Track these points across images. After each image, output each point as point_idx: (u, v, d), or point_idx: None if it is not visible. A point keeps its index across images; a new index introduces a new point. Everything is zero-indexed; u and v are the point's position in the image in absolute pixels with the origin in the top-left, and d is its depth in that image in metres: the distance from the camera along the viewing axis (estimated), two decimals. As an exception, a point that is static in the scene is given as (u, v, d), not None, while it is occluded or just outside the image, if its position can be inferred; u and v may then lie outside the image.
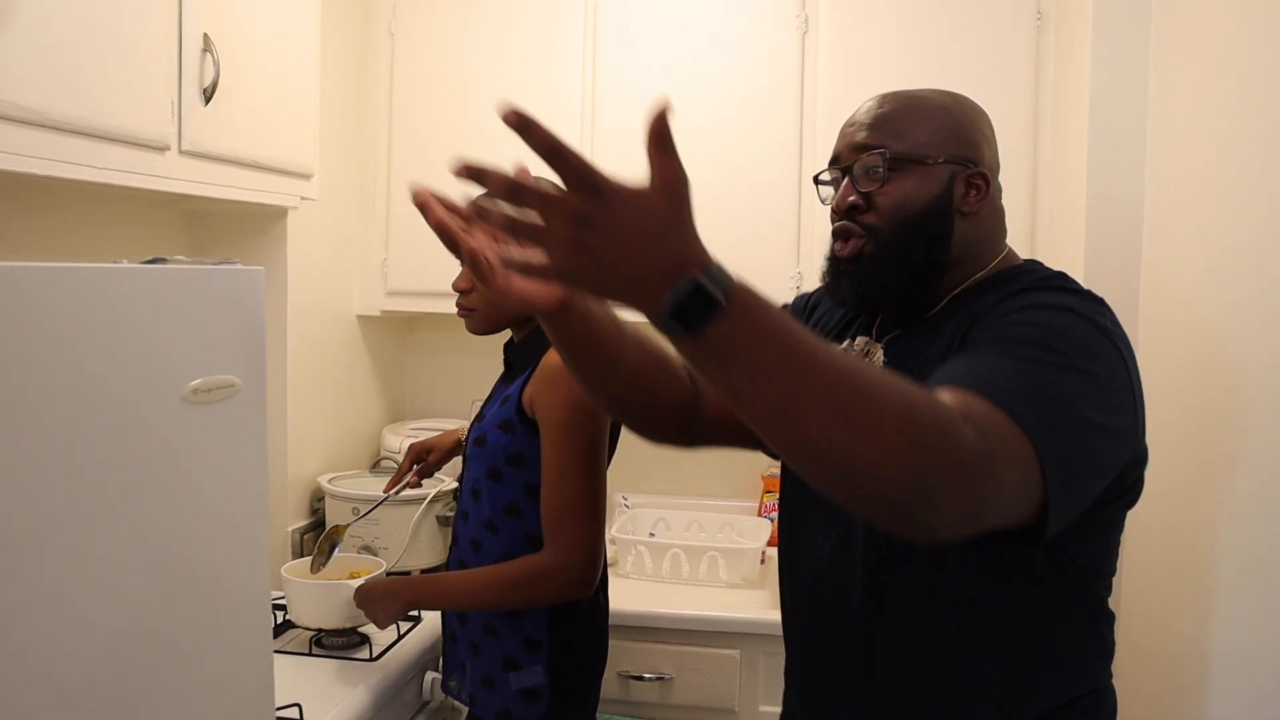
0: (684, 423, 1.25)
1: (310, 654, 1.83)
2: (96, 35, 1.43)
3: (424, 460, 2.03)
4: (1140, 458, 1.10)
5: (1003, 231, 1.25)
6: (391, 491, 1.99)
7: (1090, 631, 1.16)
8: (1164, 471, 1.84)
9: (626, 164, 2.50)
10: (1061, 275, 1.16)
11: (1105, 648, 1.19)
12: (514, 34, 2.50)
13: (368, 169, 2.60)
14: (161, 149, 1.60)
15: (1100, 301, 1.09)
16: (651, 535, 2.55)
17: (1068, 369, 0.97)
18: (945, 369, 0.98)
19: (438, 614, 2.02)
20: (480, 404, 1.85)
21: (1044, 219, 2.32)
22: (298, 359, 2.28)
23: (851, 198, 1.19)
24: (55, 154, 1.37)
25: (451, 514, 2.18)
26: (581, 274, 0.76)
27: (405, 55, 2.56)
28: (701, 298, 0.76)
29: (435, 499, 2.26)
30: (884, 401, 0.78)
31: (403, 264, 2.58)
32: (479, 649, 1.71)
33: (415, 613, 1.99)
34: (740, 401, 0.79)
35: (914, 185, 1.17)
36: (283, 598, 1.87)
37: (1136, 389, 1.05)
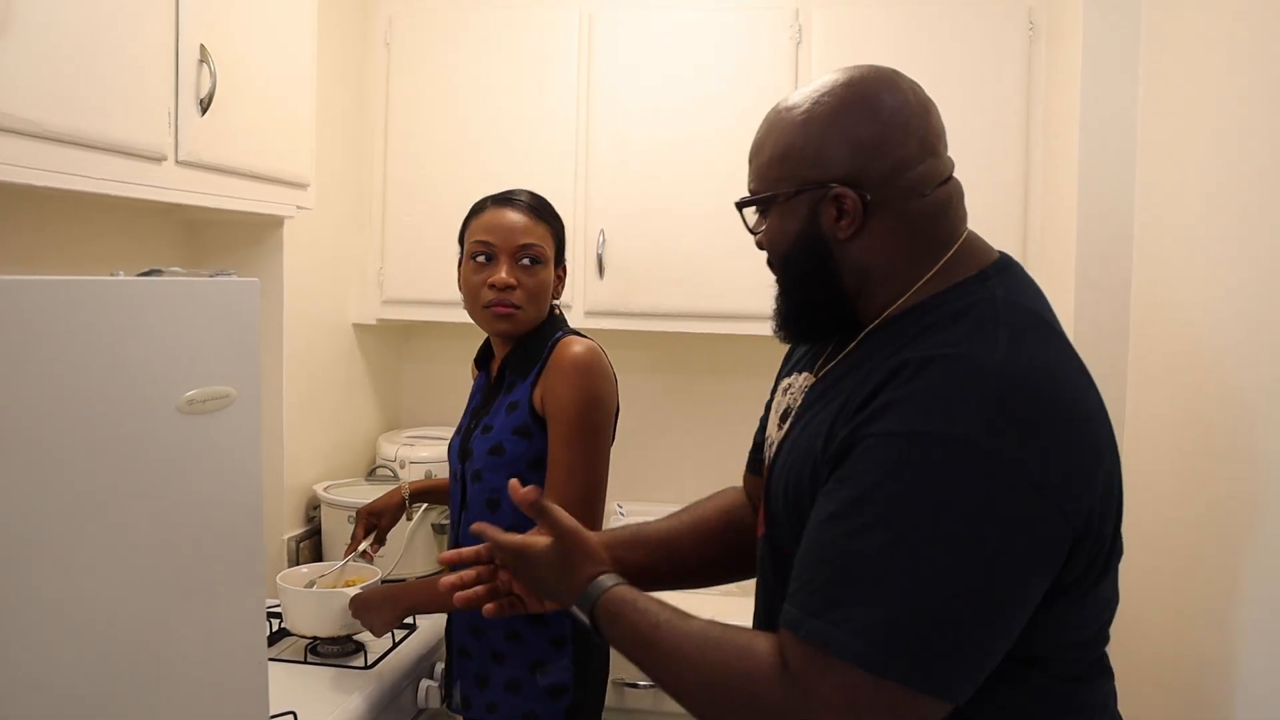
0: None
1: (305, 662, 1.83)
2: (93, 46, 1.44)
3: (376, 525, 1.99)
4: (1092, 534, 0.95)
5: (931, 242, 1.06)
6: (349, 558, 1.96)
7: (1062, 708, 1.02)
8: (1156, 480, 1.86)
9: (620, 173, 2.52)
10: (971, 307, 1.00)
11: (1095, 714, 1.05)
12: (509, 46, 2.51)
13: (364, 178, 2.61)
14: (158, 159, 1.61)
15: (1006, 335, 0.96)
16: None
17: (899, 532, 0.88)
18: (793, 572, 0.96)
19: (434, 622, 2.02)
20: (467, 416, 1.84)
21: (1035, 228, 2.34)
22: (294, 368, 2.29)
23: (756, 238, 1.15)
24: (52, 164, 1.38)
25: (446, 520, 2.19)
26: (534, 590, 1.21)
27: (401, 66, 2.57)
28: (579, 621, 1.12)
29: (430, 506, 2.27)
30: (700, 681, 0.97)
31: (399, 273, 2.59)
32: (502, 657, 1.70)
33: (411, 620, 2.00)
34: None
35: (777, 224, 1.10)
36: (278, 606, 1.87)
37: (1048, 477, 0.90)
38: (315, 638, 1.84)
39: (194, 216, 2.15)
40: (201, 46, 1.68)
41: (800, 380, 1.17)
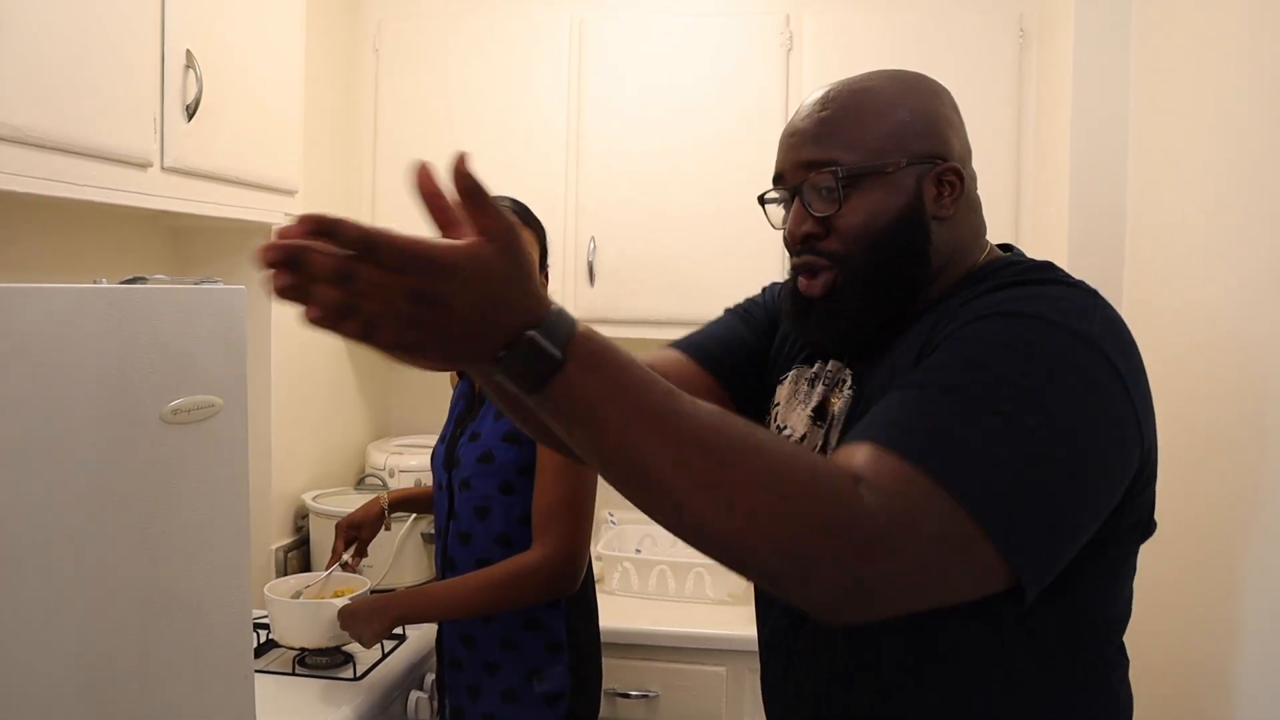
0: None
1: (293, 674, 1.81)
2: (78, 52, 1.42)
3: (357, 537, 1.97)
4: (1145, 475, 0.92)
5: (982, 227, 1.07)
6: (331, 570, 1.94)
7: (1099, 687, 0.99)
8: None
9: (611, 179, 2.52)
10: (1044, 266, 0.99)
11: (1119, 701, 1.02)
12: (499, 52, 2.50)
13: (353, 185, 2.59)
14: (143, 165, 1.59)
15: (1090, 294, 0.93)
16: (638, 551, 2.54)
17: (1008, 393, 0.81)
18: (869, 414, 0.85)
19: (424, 632, 2.00)
20: (451, 424, 1.82)
21: (1027, 232, 2.33)
22: (282, 376, 2.27)
23: (806, 226, 1.02)
24: (35, 171, 1.36)
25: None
26: (414, 349, 0.69)
27: (390, 72, 2.56)
28: (536, 353, 0.70)
29: (420, 515, 2.25)
30: (746, 467, 0.71)
31: (388, 280, 2.56)
32: (496, 667, 1.69)
33: (400, 631, 1.98)
34: (590, 459, 0.74)
35: (878, 199, 0.99)
36: (265, 617, 1.85)
37: (1135, 397, 0.87)
38: (303, 649, 1.82)
39: (181, 224, 2.13)
40: (188, 52, 1.66)
41: (833, 372, 1.06)
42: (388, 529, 2.01)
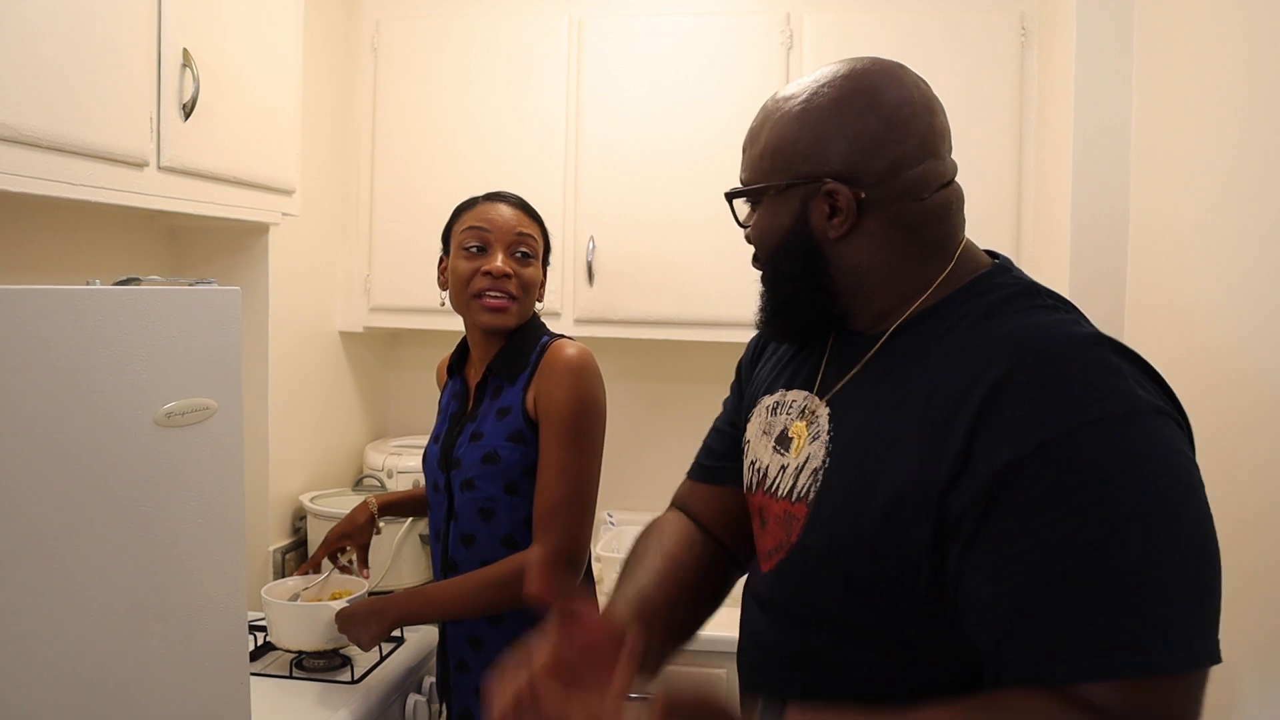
0: (731, 563, 1.23)
1: (291, 676, 1.80)
2: (73, 50, 1.41)
3: (339, 550, 1.92)
4: None
5: (933, 245, 1.00)
6: (329, 573, 1.92)
7: None
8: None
9: (610, 180, 2.50)
10: (1032, 296, 0.97)
11: None
12: (498, 52, 2.49)
13: (351, 185, 2.58)
14: (140, 165, 1.58)
15: (1098, 338, 0.91)
16: (637, 553, 2.53)
17: (1138, 540, 0.80)
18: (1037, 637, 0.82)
19: (423, 635, 1.99)
20: (444, 423, 1.80)
21: (1028, 233, 2.32)
22: (279, 377, 2.26)
23: (745, 232, 1.09)
24: (30, 170, 1.35)
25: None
26: None
27: (389, 72, 2.54)
28: None
29: (419, 517, 2.24)
30: None
31: (386, 280, 2.56)
32: None
33: (398, 633, 1.97)
34: None
35: (766, 219, 1.03)
36: (263, 619, 1.84)
37: (1184, 424, 0.90)
38: (301, 652, 1.81)
39: (178, 223, 2.12)
40: (185, 51, 1.65)
41: (800, 399, 1.06)
42: (378, 533, 1.98)
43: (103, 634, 0.92)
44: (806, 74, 1.05)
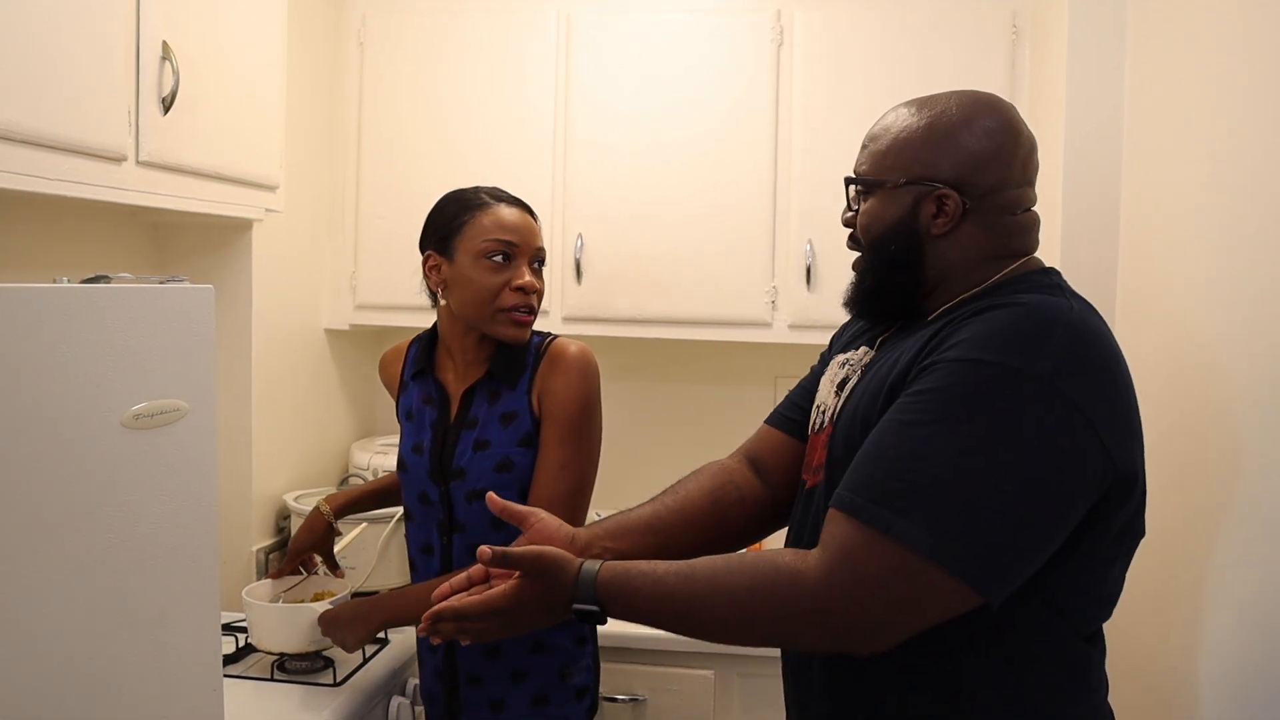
0: (775, 511, 1.40)
1: (272, 679, 1.78)
2: (49, 42, 1.38)
3: (305, 563, 1.89)
4: (1122, 491, 1.05)
5: (1007, 248, 1.17)
6: (315, 571, 1.90)
7: (1068, 670, 1.11)
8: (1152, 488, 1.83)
9: (599, 176, 2.47)
10: (1028, 282, 1.13)
11: (1089, 683, 1.14)
12: (486, 47, 2.46)
13: (336, 180, 2.55)
14: (118, 159, 1.55)
15: (1053, 320, 1.04)
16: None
17: (956, 441, 0.98)
18: (855, 459, 1.05)
19: (407, 636, 1.97)
20: (426, 431, 1.71)
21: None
22: (263, 375, 2.23)
23: (846, 216, 1.26)
24: (4, 164, 1.33)
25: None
26: (505, 636, 1.19)
27: (375, 66, 2.52)
28: (584, 614, 1.12)
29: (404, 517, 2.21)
30: (732, 604, 1.04)
31: (372, 277, 2.53)
32: (525, 674, 1.65)
33: (382, 634, 1.94)
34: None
35: (878, 208, 1.19)
36: (244, 620, 1.81)
37: (1097, 421, 1.01)
38: (282, 654, 1.78)
39: (158, 219, 2.09)
40: (164, 43, 1.63)
41: (860, 355, 1.27)
42: (340, 534, 1.94)
43: (68, 642, 0.90)
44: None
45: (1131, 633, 1.87)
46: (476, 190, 1.68)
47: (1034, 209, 1.21)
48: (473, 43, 2.47)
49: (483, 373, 1.67)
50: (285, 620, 1.73)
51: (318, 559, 1.90)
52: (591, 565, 1.12)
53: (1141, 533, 1.14)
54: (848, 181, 1.23)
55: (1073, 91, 2.04)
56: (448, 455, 1.66)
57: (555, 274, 2.42)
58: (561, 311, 2.44)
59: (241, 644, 1.87)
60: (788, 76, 2.37)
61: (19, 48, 1.33)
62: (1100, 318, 1.14)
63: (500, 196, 1.67)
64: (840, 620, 0.99)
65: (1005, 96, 2.27)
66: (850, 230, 1.25)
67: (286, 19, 2.05)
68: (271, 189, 2.03)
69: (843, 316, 2.44)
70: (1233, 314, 1.56)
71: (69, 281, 0.91)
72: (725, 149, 2.39)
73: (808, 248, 2.33)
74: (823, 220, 2.33)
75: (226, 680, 1.70)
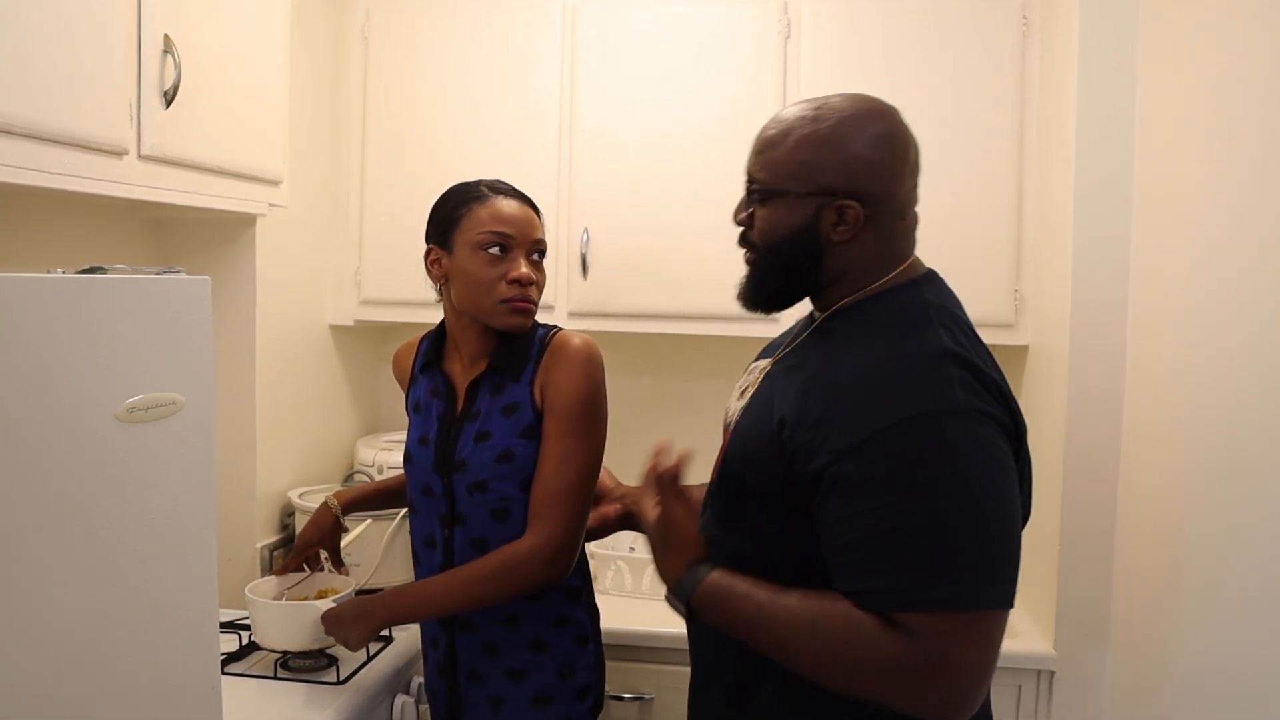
0: None
1: (275, 677, 1.76)
2: (49, 35, 1.37)
3: (310, 559, 1.87)
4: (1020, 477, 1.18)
5: (895, 254, 1.27)
6: (317, 570, 1.88)
7: None
8: (1152, 483, 1.81)
9: (604, 170, 2.45)
10: (910, 313, 1.21)
11: None
12: (491, 40, 2.45)
13: (340, 175, 2.54)
14: (119, 153, 1.54)
15: (940, 351, 1.14)
16: (631, 550, 2.49)
17: (931, 484, 1.08)
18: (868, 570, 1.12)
19: (411, 634, 1.95)
20: (432, 424, 1.70)
21: (1030, 221, 2.28)
22: (267, 371, 2.22)
23: (740, 217, 1.31)
24: (4, 158, 1.31)
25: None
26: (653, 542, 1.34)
27: (379, 60, 2.50)
28: (676, 607, 1.28)
29: (409, 514, 2.19)
30: (824, 654, 1.13)
31: (377, 273, 2.52)
32: (524, 673, 1.63)
33: (386, 632, 1.93)
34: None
35: (779, 215, 1.25)
36: (247, 618, 1.80)
37: (1000, 416, 1.14)
38: (286, 652, 1.77)
39: (161, 214, 2.08)
40: (165, 37, 1.62)
41: (764, 364, 1.37)
42: (346, 531, 1.93)
43: (63, 639, 0.88)
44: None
45: (1136, 632, 1.85)
46: (478, 183, 1.67)
47: (916, 209, 1.30)
48: (477, 37, 2.45)
49: (486, 366, 1.66)
50: (288, 618, 1.72)
51: (323, 556, 1.89)
52: (699, 570, 1.24)
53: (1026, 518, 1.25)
54: (749, 191, 1.28)
55: (1084, 83, 2.01)
56: (450, 447, 1.65)
57: (561, 269, 2.40)
58: (567, 306, 2.42)
59: (245, 642, 1.86)
60: (795, 68, 2.35)
61: (19, 40, 1.32)
62: (961, 318, 1.25)
63: (499, 189, 1.66)
64: (943, 696, 1.09)
65: (1015, 89, 2.30)
66: (741, 227, 1.32)
67: (289, 13, 2.04)
68: (275, 184, 2.01)
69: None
70: (1246, 313, 1.54)
71: (62, 273, 0.90)
72: (732, 142, 2.34)
73: (815, 242, 2.31)
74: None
75: (229, 678, 1.71)
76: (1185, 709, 1.70)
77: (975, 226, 2.30)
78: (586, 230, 2.39)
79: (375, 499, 1.93)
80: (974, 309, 2.28)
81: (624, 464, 1.91)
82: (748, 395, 1.34)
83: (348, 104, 2.52)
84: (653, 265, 2.38)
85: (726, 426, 1.39)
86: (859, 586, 1.11)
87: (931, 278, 1.30)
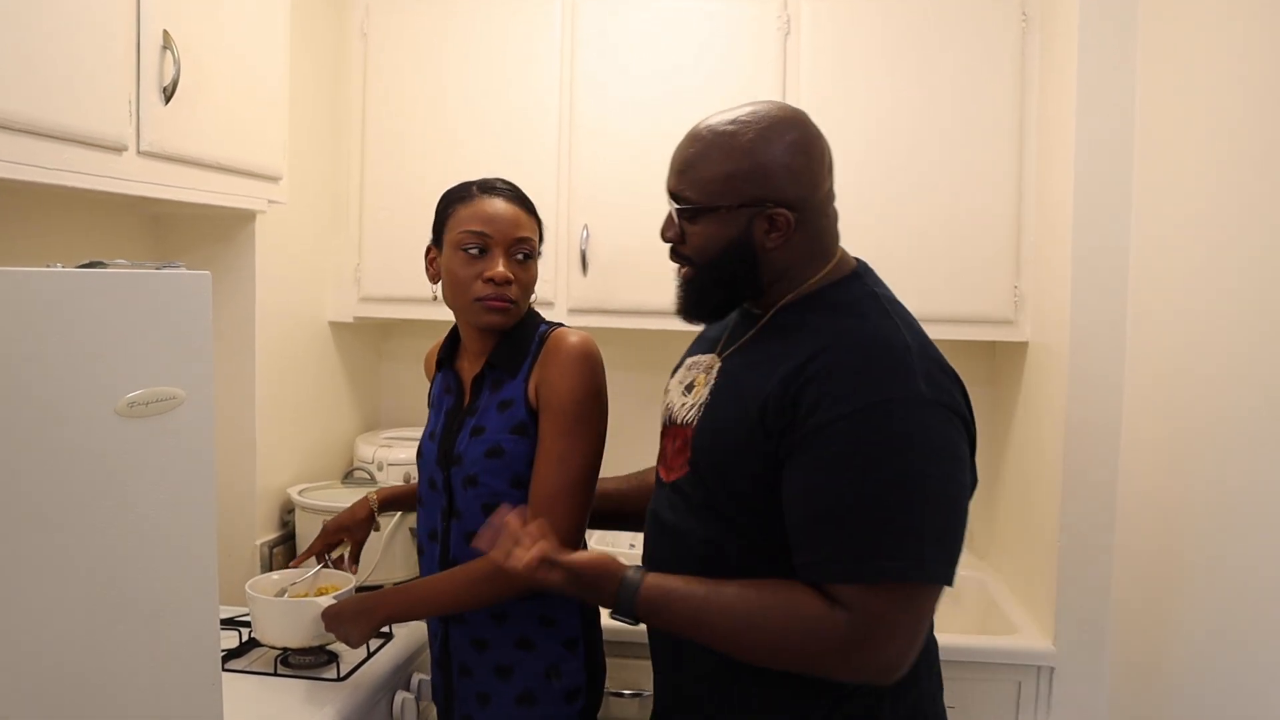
0: None
1: (275, 674, 1.76)
2: (48, 30, 1.37)
3: (336, 544, 1.88)
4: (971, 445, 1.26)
5: (824, 250, 1.34)
6: (319, 566, 1.88)
7: None
8: (1151, 480, 1.81)
9: (604, 166, 2.44)
10: (862, 303, 1.29)
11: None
12: (491, 36, 2.44)
13: (340, 172, 2.54)
14: (118, 149, 1.54)
15: (899, 343, 1.21)
16: (631, 547, 2.49)
17: (881, 482, 1.16)
18: (816, 538, 1.21)
19: (411, 630, 1.95)
20: (439, 418, 1.74)
21: (1029, 218, 2.28)
22: (267, 368, 2.22)
23: (669, 234, 1.36)
24: (3, 154, 1.31)
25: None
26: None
27: (378, 56, 2.50)
28: (623, 619, 1.32)
29: (409, 510, 2.19)
30: (762, 642, 1.22)
31: (377, 269, 2.52)
32: (510, 670, 1.63)
33: (387, 629, 1.93)
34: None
35: (713, 230, 1.30)
36: (248, 615, 1.80)
37: (947, 401, 1.20)
38: (286, 649, 1.77)
39: (160, 210, 2.08)
40: (165, 32, 1.61)
41: (708, 361, 1.42)
42: (377, 530, 1.94)
43: (62, 635, 0.88)
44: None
45: (1136, 628, 1.85)
46: (471, 183, 1.68)
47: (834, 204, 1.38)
48: (477, 33, 2.45)
49: (485, 362, 1.68)
50: (289, 615, 1.72)
51: (331, 556, 1.89)
52: (633, 579, 1.29)
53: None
54: (679, 212, 1.33)
55: (1084, 80, 2.01)
56: (451, 442, 1.67)
57: (561, 265, 2.40)
58: (567, 303, 2.42)
59: (245, 638, 1.86)
60: (794, 65, 2.35)
61: (18, 36, 1.31)
62: (903, 310, 1.32)
63: (489, 187, 1.66)
64: (871, 663, 1.18)
65: (1014, 87, 2.30)
66: (670, 244, 1.37)
67: (289, 9, 2.03)
68: (275, 180, 2.01)
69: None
70: (1246, 309, 1.54)
71: (62, 267, 0.89)
72: (732, 139, 2.36)
73: (815, 239, 2.31)
74: (831, 211, 2.32)
75: (230, 675, 1.71)
76: (1185, 705, 1.70)
77: (975, 223, 2.30)
78: (586, 227, 2.39)
79: (412, 499, 1.93)
80: (974, 305, 2.33)
81: (624, 460, 1.90)
82: (700, 390, 1.39)
83: (347, 100, 2.52)
84: (652, 262, 2.36)
85: (673, 422, 1.42)
86: (803, 560, 1.20)
87: (866, 269, 1.38)
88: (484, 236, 1.61)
